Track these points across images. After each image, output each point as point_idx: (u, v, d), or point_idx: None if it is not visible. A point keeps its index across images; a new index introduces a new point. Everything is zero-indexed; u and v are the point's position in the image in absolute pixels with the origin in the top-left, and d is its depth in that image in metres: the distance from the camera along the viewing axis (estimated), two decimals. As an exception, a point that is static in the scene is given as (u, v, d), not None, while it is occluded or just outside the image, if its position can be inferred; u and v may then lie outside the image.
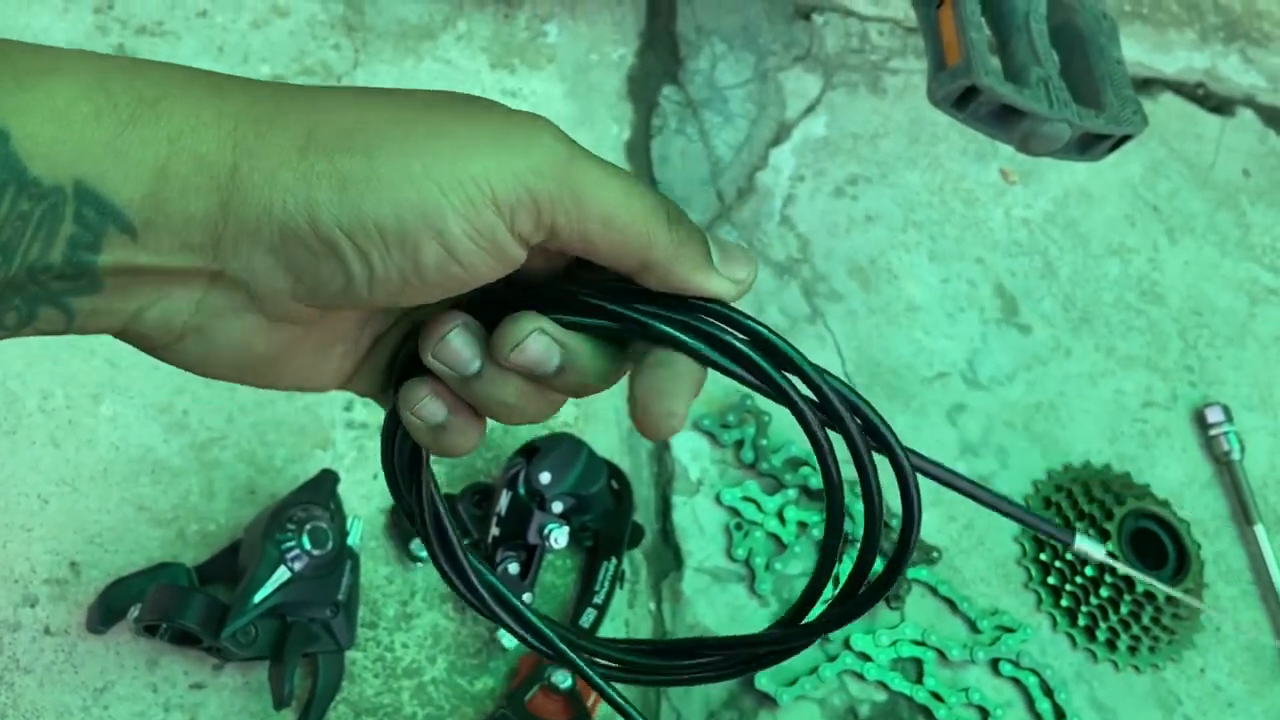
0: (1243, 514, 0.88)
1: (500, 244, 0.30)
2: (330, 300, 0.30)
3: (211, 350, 0.32)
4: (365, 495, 0.71)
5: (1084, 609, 0.79)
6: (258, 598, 0.60)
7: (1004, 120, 0.66)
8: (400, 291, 0.30)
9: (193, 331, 0.31)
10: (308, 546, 0.62)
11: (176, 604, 0.59)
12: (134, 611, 0.61)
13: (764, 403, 0.81)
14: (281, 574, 0.61)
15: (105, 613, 0.62)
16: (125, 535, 0.66)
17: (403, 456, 0.36)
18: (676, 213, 0.32)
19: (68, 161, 0.27)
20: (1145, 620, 0.78)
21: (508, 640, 0.67)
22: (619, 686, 0.39)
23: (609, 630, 0.71)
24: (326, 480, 0.66)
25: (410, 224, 0.29)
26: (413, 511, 0.37)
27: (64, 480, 0.67)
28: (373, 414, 0.74)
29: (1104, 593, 0.78)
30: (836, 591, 0.36)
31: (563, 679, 0.65)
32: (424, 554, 0.69)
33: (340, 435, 0.73)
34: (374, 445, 0.72)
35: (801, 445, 0.79)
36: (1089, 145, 0.69)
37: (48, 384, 0.69)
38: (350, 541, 0.65)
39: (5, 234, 0.27)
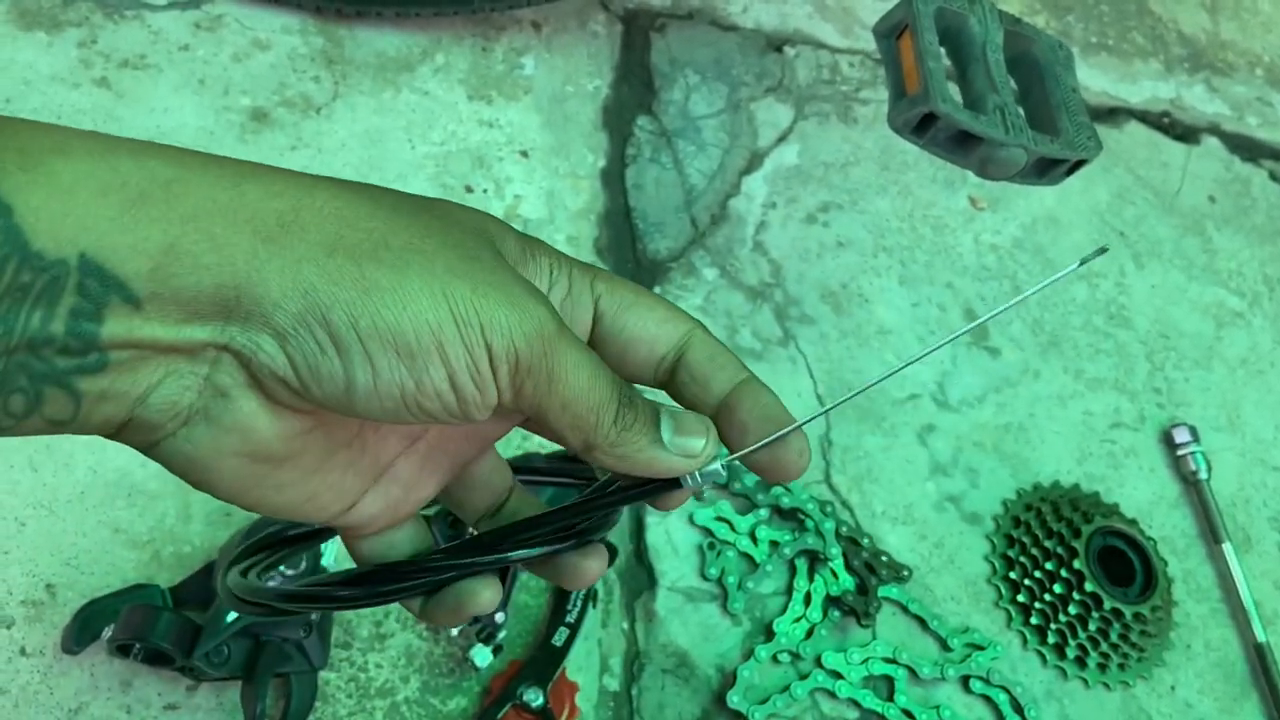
0: (1210, 533, 0.89)
1: (486, 387, 0.32)
2: (323, 399, 0.31)
3: (216, 438, 0.32)
4: (340, 517, 0.72)
5: (1053, 626, 0.80)
6: (230, 617, 0.61)
7: (962, 146, 0.68)
8: (389, 408, 0.32)
9: (198, 414, 0.31)
10: (281, 567, 0.62)
11: (148, 624, 0.60)
12: (108, 632, 0.62)
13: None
14: (255, 594, 0.62)
15: (80, 634, 0.63)
16: (101, 557, 0.67)
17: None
18: (629, 398, 0.35)
19: (71, 235, 0.28)
20: (1114, 637, 0.79)
21: (480, 659, 0.68)
22: None
23: (581, 650, 0.72)
24: (301, 501, 0.66)
25: (424, 343, 0.31)
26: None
27: (41, 503, 0.68)
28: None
29: (1072, 610, 0.79)
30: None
31: (534, 697, 0.66)
32: (398, 575, 0.69)
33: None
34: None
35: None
36: (1046, 169, 0.71)
37: (27, 409, 0.70)
38: (324, 561, 0.66)
39: (4, 305, 0.27)
